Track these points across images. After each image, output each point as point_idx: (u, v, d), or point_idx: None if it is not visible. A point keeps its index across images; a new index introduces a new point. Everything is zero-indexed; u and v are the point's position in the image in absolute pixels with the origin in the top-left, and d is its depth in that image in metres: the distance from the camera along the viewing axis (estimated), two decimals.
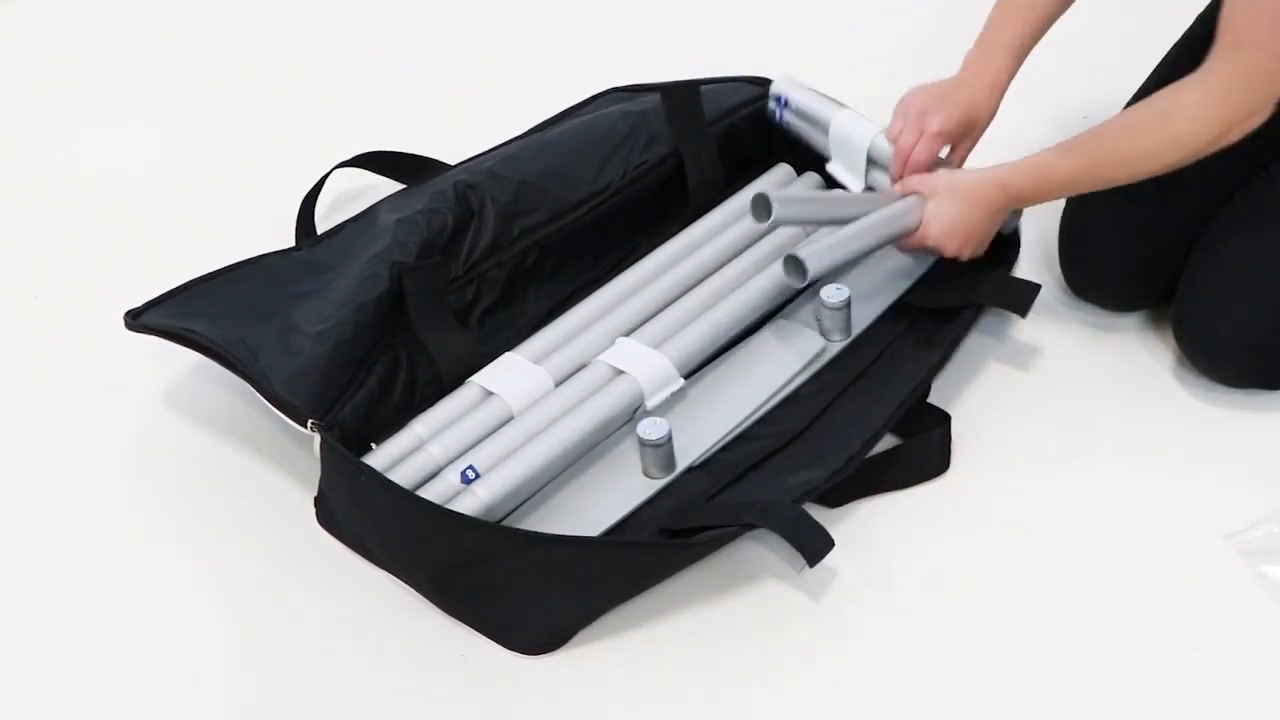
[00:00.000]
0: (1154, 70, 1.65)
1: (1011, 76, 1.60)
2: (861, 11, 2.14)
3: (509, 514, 1.42)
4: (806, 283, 1.53)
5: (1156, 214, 1.58)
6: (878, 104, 1.67)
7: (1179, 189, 1.57)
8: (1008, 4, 1.60)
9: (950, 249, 1.56)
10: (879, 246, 1.58)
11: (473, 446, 1.45)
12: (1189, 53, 1.63)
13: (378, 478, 1.38)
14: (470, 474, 1.42)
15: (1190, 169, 1.54)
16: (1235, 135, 1.43)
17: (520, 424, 1.46)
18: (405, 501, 1.37)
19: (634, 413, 1.49)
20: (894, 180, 1.62)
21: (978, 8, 1.61)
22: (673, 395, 1.52)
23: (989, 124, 1.61)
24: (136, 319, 1.51)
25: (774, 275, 1.59)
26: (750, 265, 1.64)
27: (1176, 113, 1.44)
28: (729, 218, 1.69)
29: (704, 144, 1.71)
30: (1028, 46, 1.60)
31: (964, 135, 1.61)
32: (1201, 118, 1.42)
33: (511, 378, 1.51)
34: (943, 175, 1.58)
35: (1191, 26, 1.66)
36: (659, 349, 1.52)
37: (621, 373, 1.50)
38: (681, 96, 1.72)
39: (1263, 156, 1.56)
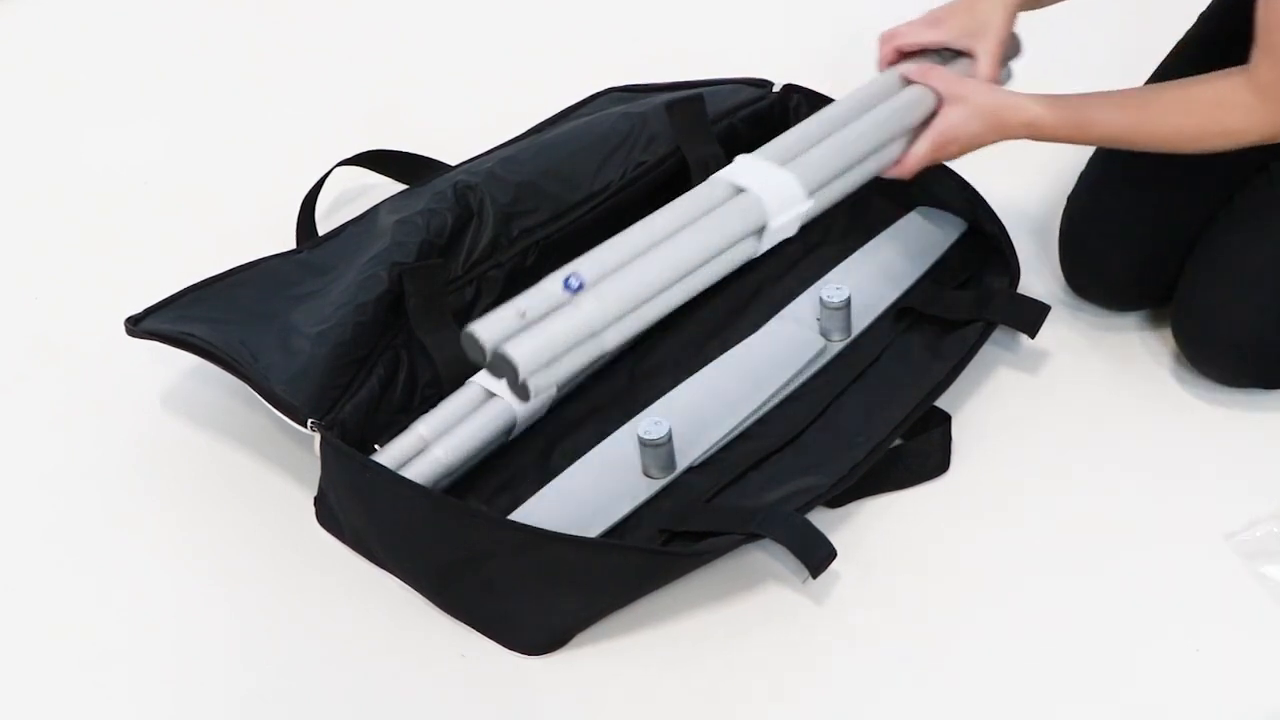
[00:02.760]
0: (1156, 70, 1.65)
1: None
2: (862, 12, 2.13)
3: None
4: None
5: (1157, 214, 1.58)
6: None
7: (1180, 189, 1.57)
8: None
9: (943, 157, 1.51)
10: (883, 146, 1.47)
11: (477, 450, 1.45)
12: (1191, 52, 1.64)
13: (382, 471, 1.38)
14: (574, 282, 1.30)
15: (1191, 169, 1.54)
16: None
17: (629, 237, 1.37)
18: (410, 494, 1.37)
19: (759, 232, 1.39)
20: (881, 67, 1.55)
21: None
22: (673, 395, 1.53)
23: (1004, 39, 1.53)
24: (137, 325, 1.51)
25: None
26: None
27: (1231, 106, 1.43)
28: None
29: (711, 152, 1.70)
30: None
31: (968, 36, 1.53)
32: (1254, 118, 1.42)
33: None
34: (971, 83, 1.50)
35: (1194, 26, 1.66)
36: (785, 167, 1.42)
37: (742, 190, 1.40)
38: (686, 109, 1.71)
39: (1263, 156, 1.56)
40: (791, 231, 1.43)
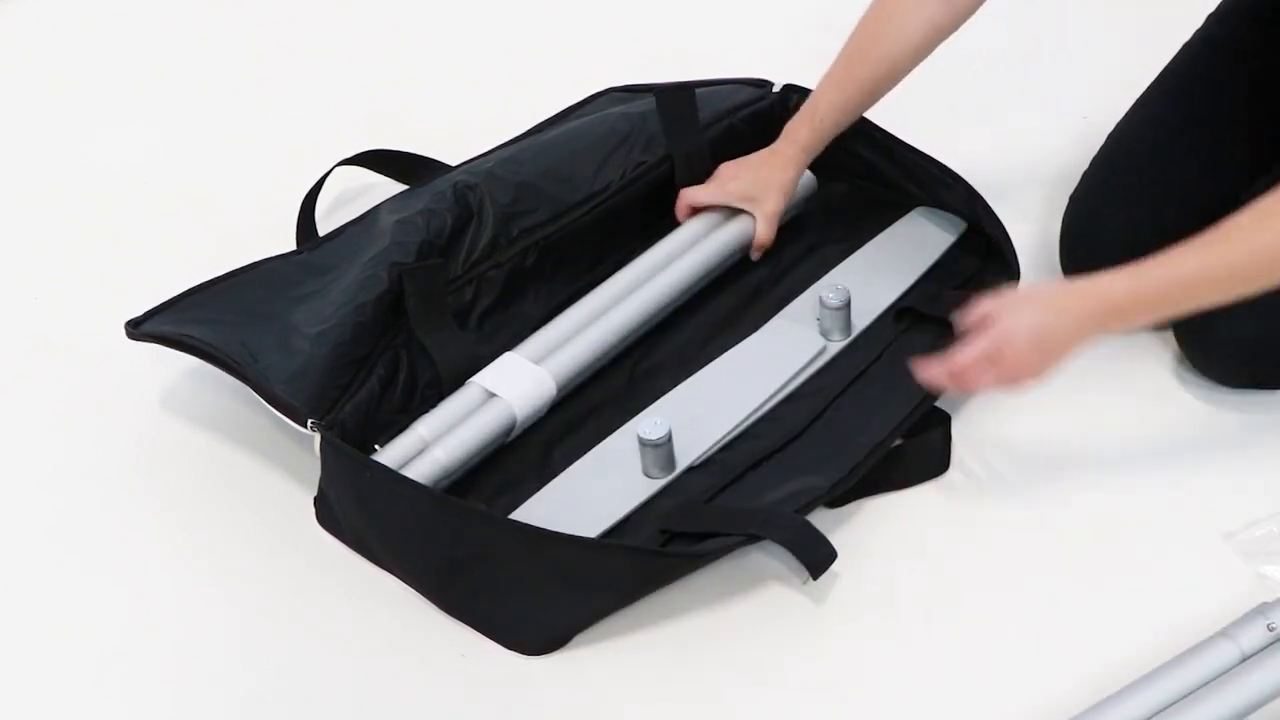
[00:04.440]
0: (1160, 74, 1.65)
1: (807, 153, 1.63)
2: (862, 12, 2.13)
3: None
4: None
5: (1158, 216, 1.58)
6: (882, 108, 1.66)
7: (1182, 191, 1.57)
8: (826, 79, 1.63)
9: (1028, 370, 1.33)
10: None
11: (476, 450, 1.46)
12: (1202, 55, 1.64)
13: (383, 470, 1.38)
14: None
15: (1194, 171, 1.54)
16: None
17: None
18: (411, 493, 1.37)
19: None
20: (681, 218, 1.67)
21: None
22: (673, 395, 1.53)
23: (784, 198, 1.63)
24: (137, 328, 1.51)
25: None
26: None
27: None
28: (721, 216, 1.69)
29: (696, 148, 1.70)
30: (828, 124, 1.62)
31: (746, 200, 1.64)
32: None
33: (513, 379, 1.50)
34: (1015, 291, 1.46)
35: (1203, 27, 1.66)
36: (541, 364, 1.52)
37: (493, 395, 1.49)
38: (675, 99, 1.72)
39: (1267, 158, 1.56)
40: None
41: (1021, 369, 1.32)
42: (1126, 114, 1.66)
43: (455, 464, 1.44)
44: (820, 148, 1.65)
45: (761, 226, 1.63)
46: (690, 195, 1.66)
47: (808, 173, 1.72)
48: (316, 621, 1.40)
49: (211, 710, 1.34)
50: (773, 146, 1.66)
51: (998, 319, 1.32)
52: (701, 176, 1.70)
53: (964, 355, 1.33)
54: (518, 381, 1.50)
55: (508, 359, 1.53)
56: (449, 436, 1.45)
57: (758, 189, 1.63)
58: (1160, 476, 1.49)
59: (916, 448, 1.50)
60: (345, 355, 1.46)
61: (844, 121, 1.64)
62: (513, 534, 1.35)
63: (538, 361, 1.52)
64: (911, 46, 1.57)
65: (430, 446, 1.44)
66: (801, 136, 1.63)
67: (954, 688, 1.33)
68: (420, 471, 1.42)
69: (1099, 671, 1.32)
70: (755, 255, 1.66)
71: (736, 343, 1.59)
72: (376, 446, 1.45)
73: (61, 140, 2.00)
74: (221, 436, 1.56)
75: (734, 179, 1.65)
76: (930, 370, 1.37)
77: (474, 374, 1.51)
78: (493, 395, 1.48)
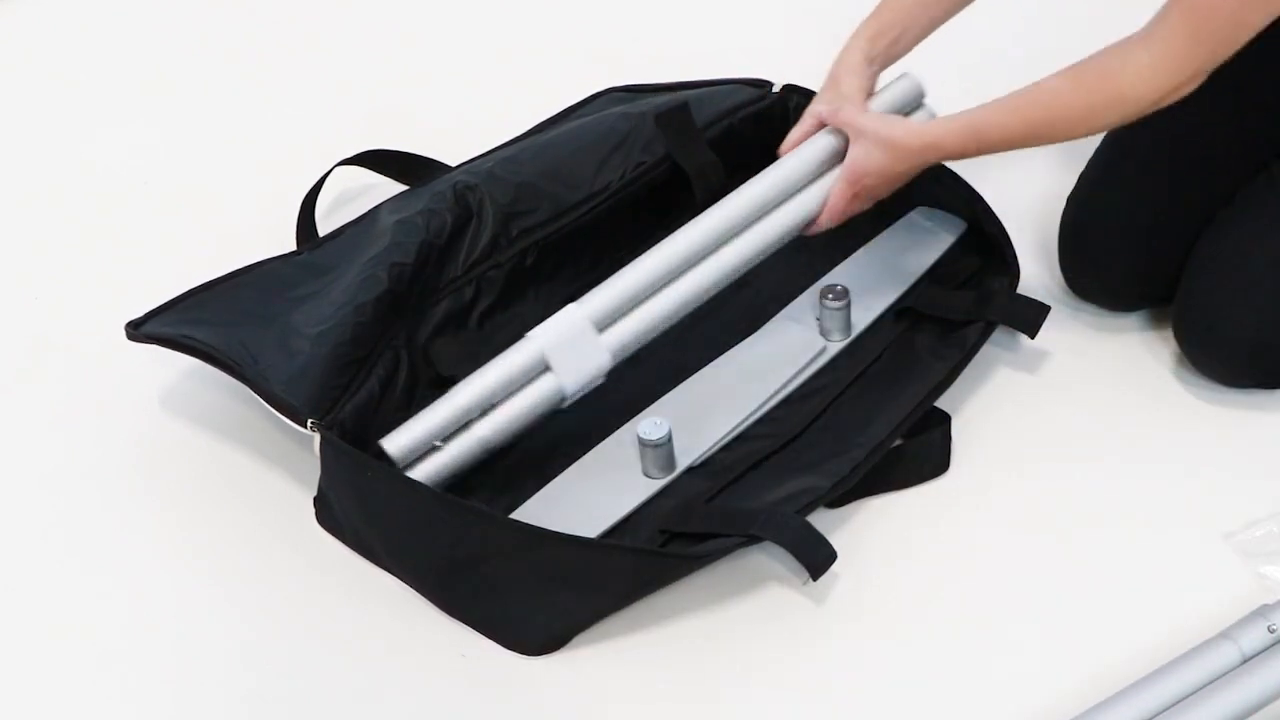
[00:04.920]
0: None
1: (878, 37, 1.58)
2: (862, 12, 2.13)
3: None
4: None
5: (1158, 214, 1.58)
6: None
7: (1181, 189, 1.57)
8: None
9: (862, 195, 1.53)
10: (793, 194, 1.52)
11: (521, 428, 1.44)
12: None
13: (383, 470, 1.38)
14: None
15: (1192, 170, 1.54)
16: (1176, 97, 1.40)
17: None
18: (410, 493, 1.37)
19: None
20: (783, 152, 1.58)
21: (985, 3, 1.61)
22: (673, 394, 1.53)
23: (859, 86, 1.56)
24: (137, 329, 1.51)
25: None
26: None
27: (1121, 72, 1.40)
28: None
29: (708, 160, 1.69)
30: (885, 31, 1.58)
31: (835, 106, 1.56)
32: (1147, 79, 1.39)
33: (572, 351, 1.45)
34: (872, 116, 1.53)
35: None
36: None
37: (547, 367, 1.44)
38: (674, 121, 1.70)
39: (1265, 156, 1.56)
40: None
41: (875, 196, 1.55)
42: None
43: (496, 441, 1.43)
44: (889, 52, 1.59)
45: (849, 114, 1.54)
46: (788, 139, 1.58)
47: (911, 76, 1.63)
48: (316, 621, 1.40)
49: (212, 710, 1.34)
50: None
51: (850, 156, 1.51)
52: (718, 188, 1.69)
53: (835, 200, 1.52)
54: (576, 356, 1.45)
55: (571, 320, 1.46)
56: (495, 413, 1.43)
57: (840, 97, 1.56)
58: (1160, 476, 1.49)
59: (916, 448, 1.50)
60: (345, 355, 1.46)
61: (913, 27, 1.59)
62: (513, 534, 1.35)
63: (600, 327, 1.47)
64: None
65: (474, 422, 1.42)
66: (855, 49, 1.58)
67: (954, 688, 1.33)
68: (462, 445, 1.41)
69: (1099, 672, 1.32)
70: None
71: (737, 343, 1.59)
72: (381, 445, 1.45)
73: (61, 140, 2.00)
74: (221, 436, 1.56)
75: (818, 99, 1.58)
76: (819, 223, 1.54)
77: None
78: (546, 369, 1.45)
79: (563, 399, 1.45)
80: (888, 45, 1.58)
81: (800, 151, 1.55)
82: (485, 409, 1.43)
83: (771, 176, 1.54)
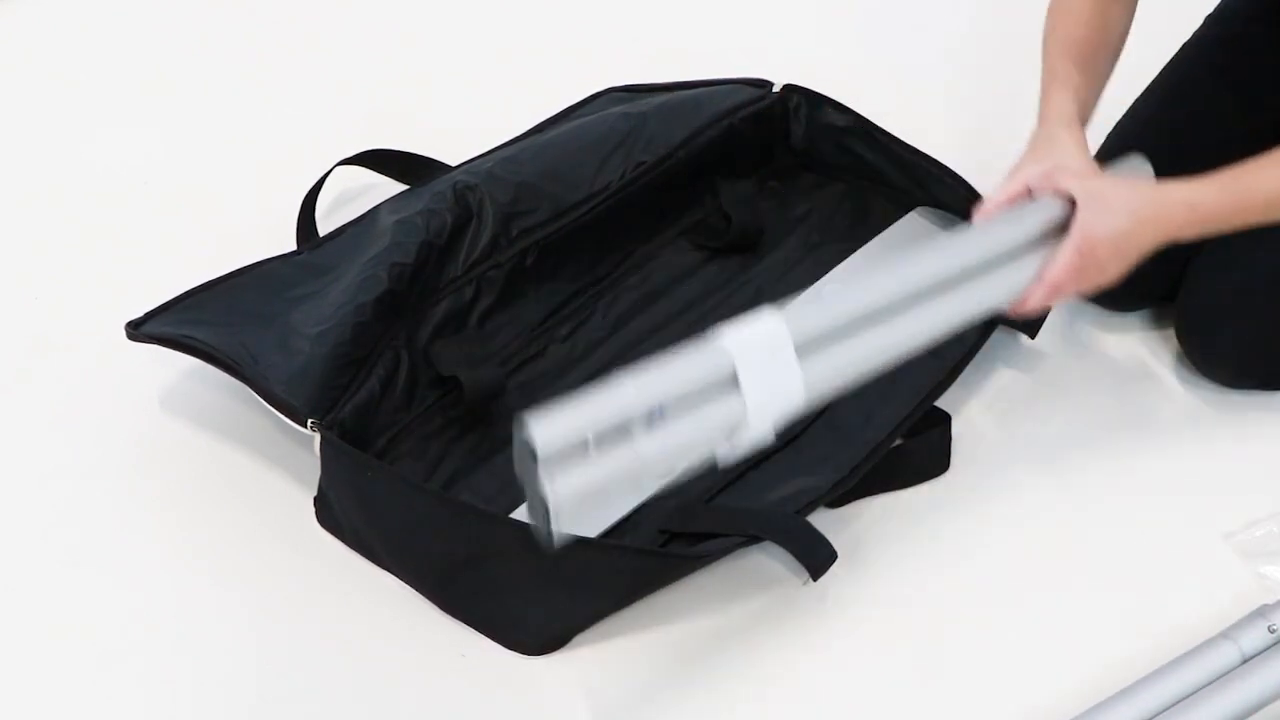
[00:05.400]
0: (1159, 75, 1.65)
1: (1079, 94, 1.40)
2: (863, 12, 2.13)
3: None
4: None
5: None
6: (882, 108, 1.66)
7: None
8: (1052, 36, 1.44)
9: (1094, 268, 1.29)
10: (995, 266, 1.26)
11: (686, 459, 1.20)
12: (1202, 57, 1.64)
13: (383, 470, 1.38)
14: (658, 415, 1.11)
15: (1190, 171, 1.53)
16: None
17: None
18: (410, 493, 1.37)
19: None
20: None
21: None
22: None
23: (1079, 145, 1.36)
24: (137, 329, 1.51)
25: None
26: None
27: None
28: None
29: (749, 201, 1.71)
30: (1085, 61, 1.42)
31: (1051, 171, 1.33)
32: None
33: (767, 379, 1.18)
34: (1102, 177, 1.30)
35: (1202, 28, 1.66)
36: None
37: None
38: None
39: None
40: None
41: (1100, 276, 1.30)
42: (1125, 114, 1.66)
43: (653, 466, 1.16)
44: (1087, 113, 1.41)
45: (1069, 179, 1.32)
46: (987, 204, 1.35)
47: (1144, 161, 1.44)
48: (316, 622, 1.40)
49: (212, 710, 1.34)
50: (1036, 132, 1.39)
51: (1081, 219, 1.27)
52: (751, 221, 1.69)
53: (1057, 272, 1.28)
54: (769, 380, 1.17)
55: (771, 331, 1.19)
56: (664, 427, 1.14)
57: (1057, 153, 1.34)
58: (1160, 476, 1.49)
59: (916, 448, 1.50)
60: (345, 355, 1.46)
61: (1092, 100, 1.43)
62: (513, 533, 1.35)
63: (804, 353, 1.20)
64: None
65: (636, 431, 1.14)
66: (1065, 101, 1.38)
67: (954, 688, 1.33)
68: (615, 460, 1.14)
69: (1099, 672, 1.32)
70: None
71: None
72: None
73: (61, 140, 1.99)
74: (221, 436, 1.56)
75: (1027, 161, 1.36)
76: (1030, 300, 1.30)
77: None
78: (732, 385, 1.17)
79: (737, 435, 1.17)
80: (1089, 95, 1.41)
81: (1021, 216, 1.31)
82: (651, 418, 1.13)
83: (985, 240, 1.30)
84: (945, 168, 1.68)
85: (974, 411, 1.55)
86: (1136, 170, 1.40)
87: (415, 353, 1.53)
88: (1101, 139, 1.65)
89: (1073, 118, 1.37)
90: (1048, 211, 1.29)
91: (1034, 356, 1.61)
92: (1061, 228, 1.29)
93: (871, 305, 1.24)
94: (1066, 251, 1.27)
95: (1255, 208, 1.30)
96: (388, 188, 1.77)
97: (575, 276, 1.65)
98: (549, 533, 1.12)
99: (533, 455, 1.09)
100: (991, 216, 1.32)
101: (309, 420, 1.40)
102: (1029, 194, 1.32)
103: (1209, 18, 1.66)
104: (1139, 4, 1.49)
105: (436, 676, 1.35)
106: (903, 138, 1.72)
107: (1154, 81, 1.65)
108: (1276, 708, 1.26)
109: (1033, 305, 1.31)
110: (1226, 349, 1.53)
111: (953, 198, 1.68)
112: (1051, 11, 1.48)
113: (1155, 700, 1.25)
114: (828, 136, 1.77)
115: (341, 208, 1.78)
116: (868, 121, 1.73)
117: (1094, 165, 1.33)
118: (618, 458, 1.12)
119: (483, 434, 1.51)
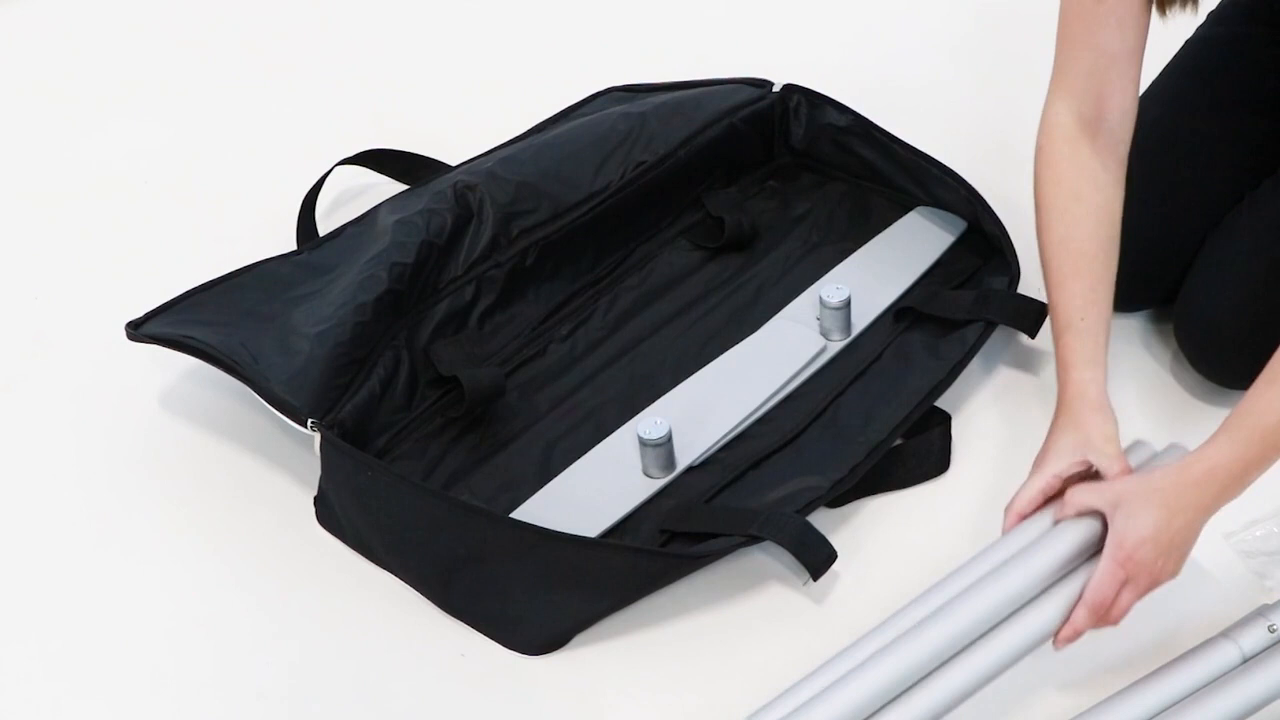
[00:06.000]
0: (1159, 75, 1.65)
1: (1099, 369, 1.33)
2: (863, 11, 2.13)
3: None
4: None
5: (1161, 215, 1.58)
6: (882, 108, 1.66)
7: (1185, 191, 1.57)
8: (1057, 297, 1.38)
9: (1141, 582, 1.23)
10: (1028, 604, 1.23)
11: None
12: (1202, 56, 1.64)
13: (383, 469, 1.38)
14: None
15: (1196, 172, 1.53)
16: None
17: None
18: (410, 494, 1.37)
19: None
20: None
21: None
22: (673, 394, 1.53)
23: (1109, 432, 1.30)
24: (137, 329, 1.51)
25: None
26: None
27: None
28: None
29: (738, 204, 1.72)
30: (1096, 324, 1.36)
31: (1082, 459, 1.29)
32: None
33: None
34: (1125, 482, 1.25)
35: (1202, 27, 1.66)
36: None
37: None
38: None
39: (1272, 161, 1.56)
40: None
41: (1156, 576, 1.24)
42: None
43: None
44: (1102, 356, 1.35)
45: (1116, 466, 1.28)
46: (1018, 501, 1.30)
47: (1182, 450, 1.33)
48: (317, 622, 1.40)
49: (212, 710, 1.34)
50: (1060, 413, 1.33)
51: (1113, 530, 1.23)
52: (749, 226, 1.70)
53: (1099, 592, 1.22)
54: None
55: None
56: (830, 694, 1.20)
57: (1085, 435, 1.29)
58: None
59: (916, 448, 1.50)
60: (345, 355, 1.46)
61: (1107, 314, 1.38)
62: (513, 533, 1.35)
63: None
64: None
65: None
66: (1087, 376, 1.32)
67: None
68: None
69: (1099, 672, 1.32)
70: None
71: (736, 343, 1.59)
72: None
73: (61, 140, 2.00)
74: (221, 437, 1.56)
75: (1054, 448, 1.30)
76: (1072, 627, 1.23)
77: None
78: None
79: None
80: (1105, 308, 1.37)
81: (1051, 546, 1.25)
82: None
83: (1010, 583, 1.24)
84: (945, 168, 1.68)
85: (974, 411, 1.55)
86: (1173, 456, 1.33)
87: (415, 353, 1.53)
88: None
89: (1100, 397, 1.32)
90: (1078, 534, 1.25)
91: (1034, 356, 1.61)
92: (1097, 547, 1.25)
93: (890, 683, 1.22)
94: (1105, 567, 1.22)
95: (1272, 438, 1.24)
96: (388, 188, 1.77)
97: (575, 276, 1.65)
98: None
99: None
100: (1026, 515, 1.29)
101: (309, 420, 1.40)
102: (1060, 486, 1.29)
103: (1209, 17, 1.66)
104: None
105: (436, 676, 1.35)
106: (903, 138, 1.72)
107: (1154, 81, 1.65)
108: (1276, 708, 1.26)
109: (1077, 631, 1.24)
110: (1226, 349, 1.53)
111: (953, 198, 1.69)
112: (1043, 197, 1.40)
113: (1155, 700, 1.25)
114: (828, 136, 1.77)
115: (342, 207, 1.78)
116: (868, 121, 1.73)
117: (1121, 455, 1.29)
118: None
119: (482, 434, 1.51)
